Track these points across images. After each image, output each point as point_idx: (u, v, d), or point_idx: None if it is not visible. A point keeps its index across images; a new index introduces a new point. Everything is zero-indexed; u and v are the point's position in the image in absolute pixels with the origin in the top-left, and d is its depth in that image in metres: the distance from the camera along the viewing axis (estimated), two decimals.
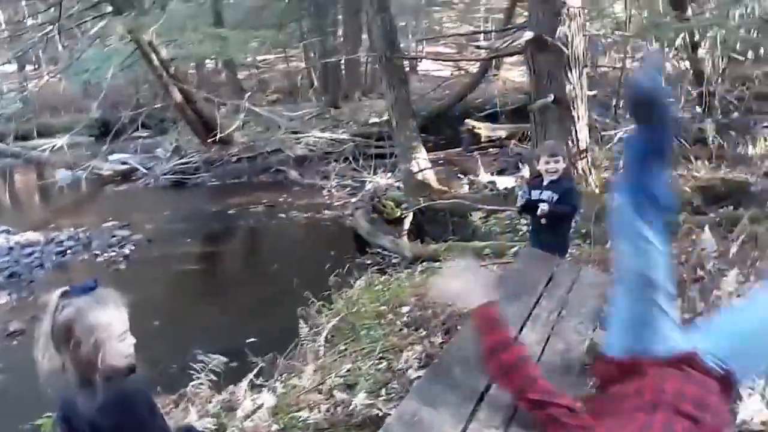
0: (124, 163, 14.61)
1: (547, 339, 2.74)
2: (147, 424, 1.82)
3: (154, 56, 12.78)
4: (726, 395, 2.10)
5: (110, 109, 16.89)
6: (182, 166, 13.60)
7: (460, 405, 2.21)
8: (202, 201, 11.73)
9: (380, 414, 3.07)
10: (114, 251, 8.90)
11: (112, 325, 1.82)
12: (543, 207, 4.10)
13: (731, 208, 6.63)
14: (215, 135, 12.92)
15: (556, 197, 4.17)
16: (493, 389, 2.28)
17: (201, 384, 3.85)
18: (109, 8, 13.54)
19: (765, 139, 8.90)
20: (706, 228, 4.73)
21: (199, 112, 13.75)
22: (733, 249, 4.65)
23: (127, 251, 8.88)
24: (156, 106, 16.82)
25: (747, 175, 7.69)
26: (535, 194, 4.29)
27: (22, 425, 4.27)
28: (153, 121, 17.74)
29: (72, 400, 1.80)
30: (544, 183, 4.26)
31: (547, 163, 4.21)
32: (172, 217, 10.69)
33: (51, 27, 14.16)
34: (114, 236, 9.55)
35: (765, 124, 9.91)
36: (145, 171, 13.91)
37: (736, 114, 10.45)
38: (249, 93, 16.00)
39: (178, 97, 13.41)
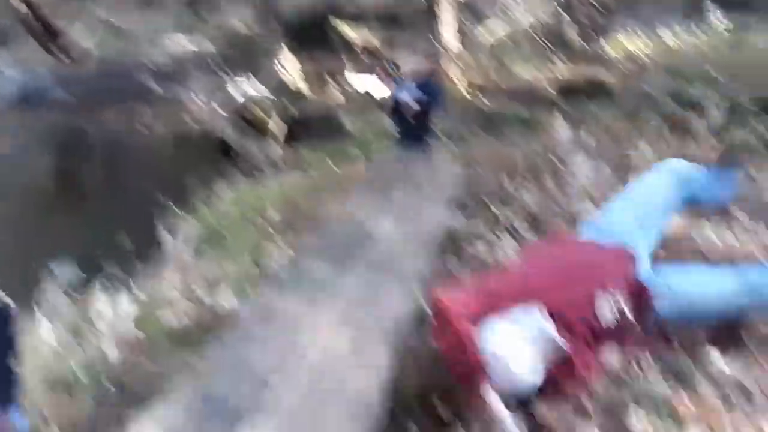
0: None
1: (404, 224, 2.81)
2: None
3: None
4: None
5: None
6: (31, 81, 12.43)
7: (311, 292, 2.21)
8: (56, 119, 10.84)
9: None
10: None
11: None
12: (412, 104, 4.14)
13: (589, 104, 6.95)
14: (65, 48, 11.86)
15: (419, 91, 4.22)
16: (343, 279, 2.32)
17: (55, 294, 3.65)
18: None
19: (622, 38, 9.32)
20: (561, 122, 4.91)
21: (45, 24, 12.52)
22: (587, 141, 4.88)
23: None
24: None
25: (603, 71, 8.05)
26: (399, 93, 4.32)
27: None
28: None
29: None
30: (408, 83, 4.30)
31: (407, 64, 4.29)
32: (25, 137, 9.83)
33: None
34: None
35: (623, 24, 10.35)
36: None
37: (596, 14, 10.80)
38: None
39: (21, 7, 12.13)
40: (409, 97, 4.30)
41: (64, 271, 3.80)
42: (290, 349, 1.92)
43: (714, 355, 2.15)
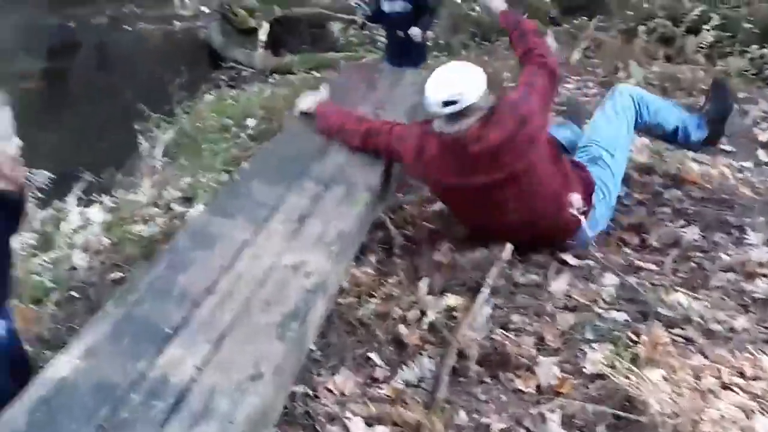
0: None
1: None
2: None
3: None
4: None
5: None
6: None
7: (253, 212, 2.18)
8: (37, 12, 10.45)
9: None
10: None
11: None
12: (415, 34, 3.99)
13: (586, 18, 6.74)
14: None
15: (410, 7, 4.03)
16: (290, 196, 2.28)
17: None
18: None
19: None
20: (549, 33, 4.77)
21: None
22: (576, 56, 4.76)
23: None
24: None
25: None
26: (387, 5, 4.11)
27: None
28: None
29: None
30: None
31: None
32: (2, 34, 9.51)
33: None
34: None
35: None
36: None
37: None
38: None
39: None
40: (395, 6, 4.09)
41: (39, 176, 3.73)
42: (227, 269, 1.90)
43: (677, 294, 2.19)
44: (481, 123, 2.28)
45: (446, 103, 2.27)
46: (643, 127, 2.84)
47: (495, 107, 2.32)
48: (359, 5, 4.24)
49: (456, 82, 2.29)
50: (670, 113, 2.85)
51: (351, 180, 2.44)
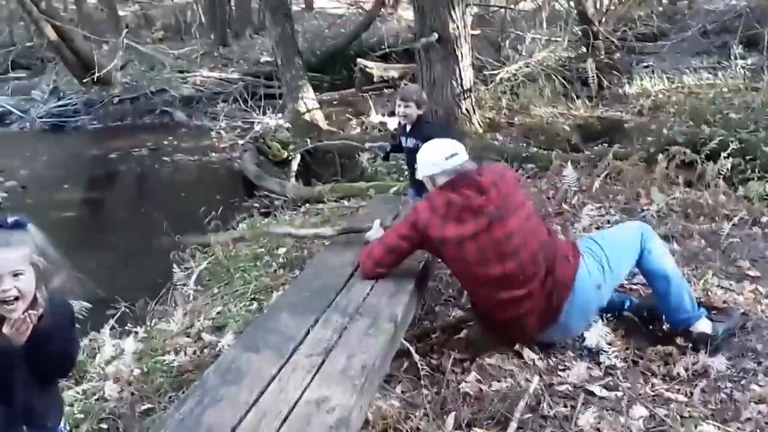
0: None
1: None
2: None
3: None
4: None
5: None
6: (60, 108, 12.77)
7: (280, 346, 2.24)
8: (81, 145, 11.12)
9: None
10: None
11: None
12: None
13: (606, 145, 6.95)
14: (94, 75, 12.16)
15: (420, 144, 4.16)
16: (317, 329, 2.34)
17: None
18: None
19: (641, 79, 9.29)
20: (568, 164, 4.92)
21: (76, 51, 12.86)
22: (596, 184, 4.88)
23: None
24: (31, 44, 15.66)
25: (622, 113, 8.03)
26: (403, 140, 4.25)
27: None
28: (32, 62, 16.55)
29: None
30: (407, 129, 4.18)
31: (399, 106, 4.13)
32: (49, 163, 10.09)
33: None
34: None
35: (644, 64, 10.35)
36: (20, 114, 12.97)
37: (617, 54, 10.81)
38: (127, 29, 15.06)
39: (52, 34, 12.47)
40: (408, 142, 4.17)
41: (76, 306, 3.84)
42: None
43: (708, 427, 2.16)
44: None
45: (450, 156, 2.76)
46: (644, 267, 2.87)
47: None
48: (375, 148, 4.44)
49: (450, 143, 2.87)
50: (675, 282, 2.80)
51: (375, 311, 2.51)
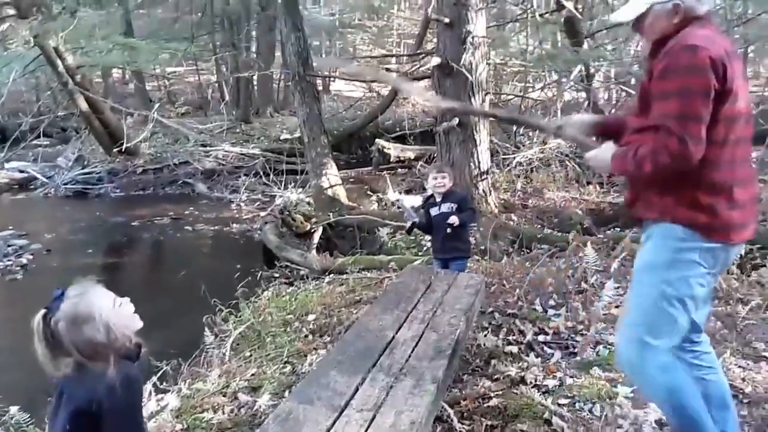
0: (21, 171, 14.00)
1: (422, 333, 3.03)
2: (139, 408, 1.98)
3: (59, 63, 12.40)
4: None
5: (8, 116, 16.09)
6: (85, 175, 13.21)
7: (332, 400, 2.40)
8: (105, 212, 11.43)
9: None
10: (10, 260, 8.53)
11: (102, 307, 1.92)
12: (453, 219, 4.35)
13: (617, 229, 7.20)
14: (121, 145, 12.63)
15: (455, 206, 4.46)
16: (364, 387, 2.50)
17: None
18: (12, 12, 13.06)
19: None
20: (589, 244, 5.12)
21: (105, 122, 13.41)
22: (614, 265, 5.07)
23: (24, 261, 8.54)
24: (58, 114, 16.26)
25: None
26: (434, 210, 4.54)
27: None
28: (54, 130, 17.14)
29: (77, 383, 1.88)
30: (438, 199, 4.55)
31: (435, 178, 4.54)
32: (73, 228, 10.36)
33: None
34: (10, 245, 9.17)
35: None
36: (45, 180, 13.39)
37: None
38: (158, 104, 15.70)
39: (83, 105, 13.03)
40: (442, 209, 4.51)
41: None
42: None
43: None
44: None
45: None
46: None
47: None
48: (406, 214, 4.71)
49: None
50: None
51: (418, 373, 2.66)
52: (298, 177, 10.95)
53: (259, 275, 6.75)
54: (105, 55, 13.18)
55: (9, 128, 15.76)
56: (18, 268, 8.32)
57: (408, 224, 4.81)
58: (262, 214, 10.23)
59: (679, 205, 2.22)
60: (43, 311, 1.91)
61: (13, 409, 3.71)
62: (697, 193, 2.19)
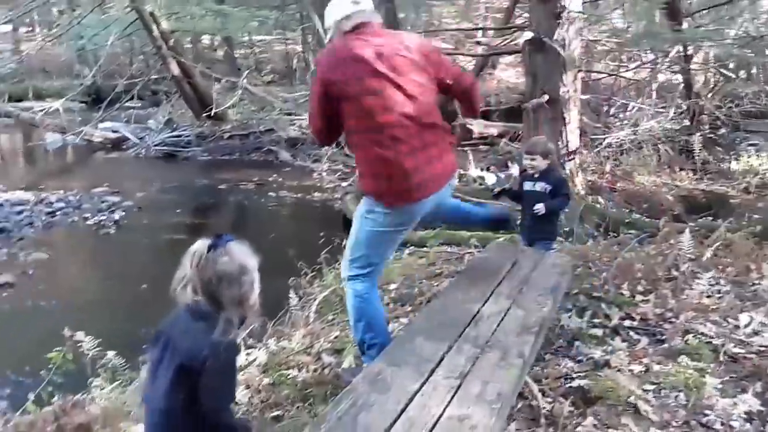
0: (114, 131, 14.65)
1: (508, 309, 3.01)
2: (235, 378, 2.03)
3: (155, 27, 12.82)
4: None
5: (103, 77, 16.83)
6: (174, 138, 13.69)
7: (419, 365, 2.43)
8: (192, 174, 11.84)
9: None
10: (104, 216, 8.99)
11: (255, 272, 1.99)
12: (539, 208, 4.25)
13: (710, 218, 6.91)
14: (209, 110, 12.99)
15: (549, 188, 4.34)
16: (451, 355, 2.51)
17: None
18: None
19: (748, 156, 9.18)
20: (687, 231, 4.94)
21: (195, 87, 13.82)
22: (708, 254, 4.89)
23: (116, 217, 8.98)
24: (150, 77, 16.86)
25: (728, 188, 7.97)
26: (528, 185, 4.44)
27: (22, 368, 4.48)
28: (145, 93, 17.80)
29: (183, 336, 1.92)
30: (533, 176, 4.43)
31: (525, 159, 4.41)
32: (162, 188, 10.80)
33: None
34: (104, 201, 9.67)
35: (750, 142, 10.23)
36: (136, 141, 13.97)
37: (723, 130, 10.73)
38: (246, 71, 16.04)
39: (176, 70, 13.46)
40: (536, 186, 4.41)
41: None
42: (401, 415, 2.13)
43: None
44: None
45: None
46: None
47: None
48: (497, 179, 4.61)
49: None
50: None
51: (504, 347, 2.66)
52: None
53: (340, 243, 6.85)
54: (198, 20, 13.52)
55: (104, 90, 16.49)
56: (111, 224, 8.75)
57: (496, 189, 4.75)
58: (343, 184, 10.35)
59: None
60: (207, 242, 1.96)
61: (110, 354, 3.90)
62: None
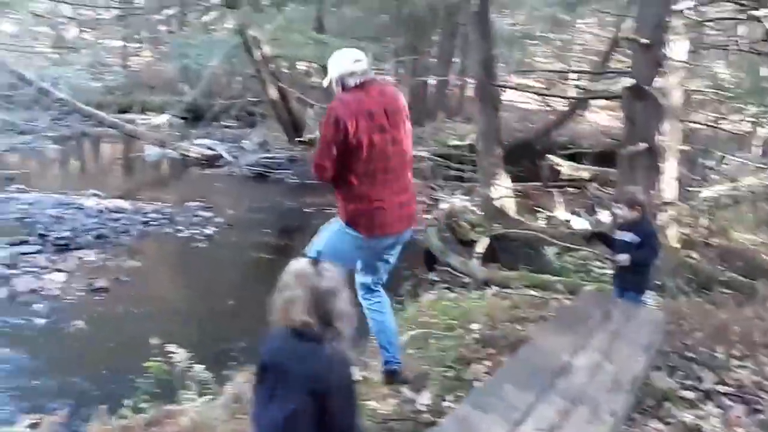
0: (210, 148, 15.25)
1: (598, 363, 2.95)
2: (353, 391, 2.03)
3: (257, 51, 13.34)
4: None
5: (203, 96, 17.56)
6: (266, 160, 14.12)
7: (507, 413, 2.41)
8: (281, 196, 12.16)
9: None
10: (196, 229, 9.36)
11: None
12: (622, 258, 4.19)
13: None
14: (302, 135, 13.36)
15: (638, 239, 4.26)
16: (540, 406, 2.48)
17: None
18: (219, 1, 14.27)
19: None
20: None
21: (290, 111, 14.25)
22: None
23: (209, 231, 9.33)
24: (249, 99, 17.49)
25: None
26: (618, 234, 4.39)
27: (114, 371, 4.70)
28: (241, 113, 18.46)
29: (291, 351, 1.91)
30: (625, 225, 4.36)
31: (615, 208, 4.42)
32: (251, 207, 11.14)
33: (167, 11, 14.95)
34: (196, 216, 10.06)
35: None
36: (230, 159, 14.49)
37: None
38: None
39: (274, 94, 13.94)
40: (624, 237, 4.33)
41: None
42: None
43: None
44: None
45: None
46: None
47: None
48: (583, 220, 4.57)
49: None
50: None
51: (595, 402, 2.61)
52: (463, 184, 10.97)
53: (420, 277, 6.89)
54: (299, 48, 13.95)
55: (202, 108, 17.23)
56: (203, 238, 9.09)
57: (591, 231, 4.69)
58: (426, 216, 10.39)
59: None
60: (306, 261, 2.00)
61: (198, 367, 4.03)
62: None
